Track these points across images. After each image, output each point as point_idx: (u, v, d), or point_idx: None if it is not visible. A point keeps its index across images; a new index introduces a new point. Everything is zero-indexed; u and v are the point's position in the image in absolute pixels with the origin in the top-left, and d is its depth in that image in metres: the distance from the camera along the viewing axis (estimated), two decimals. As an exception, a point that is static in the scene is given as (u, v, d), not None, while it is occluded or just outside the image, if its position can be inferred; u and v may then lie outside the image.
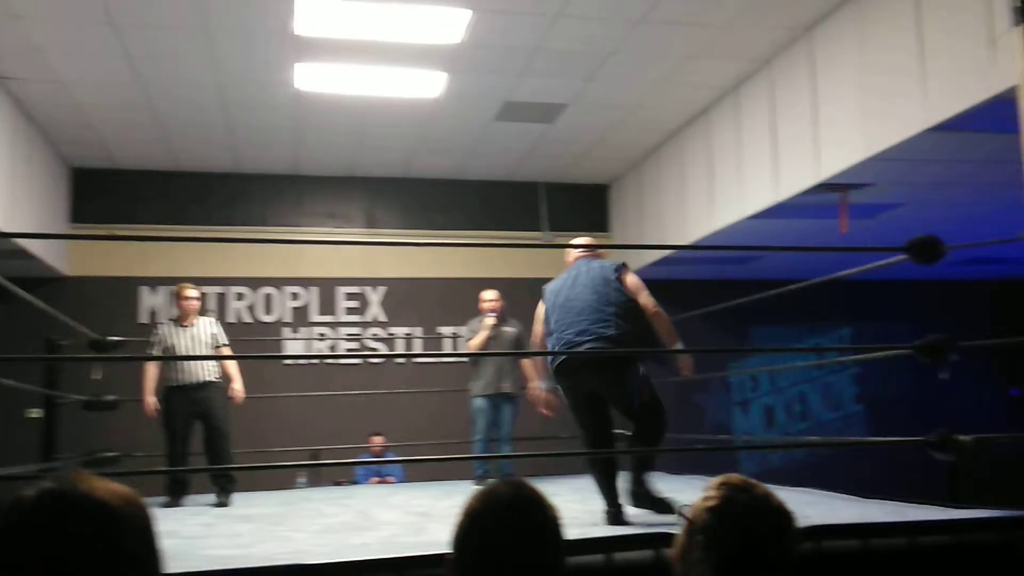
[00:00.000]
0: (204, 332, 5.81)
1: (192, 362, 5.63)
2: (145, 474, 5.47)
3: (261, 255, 8.60)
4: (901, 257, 3.99)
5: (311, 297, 8.91)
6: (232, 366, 5.89)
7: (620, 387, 4.05)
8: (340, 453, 7.23)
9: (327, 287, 8.93)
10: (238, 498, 5.65)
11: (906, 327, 9.02)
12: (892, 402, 9.68)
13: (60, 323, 5.45)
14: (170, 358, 5.73)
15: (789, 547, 1.56)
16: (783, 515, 1.57)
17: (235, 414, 5.99)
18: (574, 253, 4.49)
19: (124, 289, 8.45)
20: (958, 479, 7.88)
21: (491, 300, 6.52)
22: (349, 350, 8.92)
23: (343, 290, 8.97)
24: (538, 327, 4.52)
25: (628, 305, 4.17)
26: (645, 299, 4.22)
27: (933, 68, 4.94)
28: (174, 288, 6.10)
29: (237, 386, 5.81)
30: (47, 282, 7.90)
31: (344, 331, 8.91)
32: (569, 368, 4.14)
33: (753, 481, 1.60)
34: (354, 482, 7.61)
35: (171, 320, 5.92)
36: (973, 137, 5.28)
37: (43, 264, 7.61)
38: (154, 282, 8.54)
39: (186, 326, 5.80)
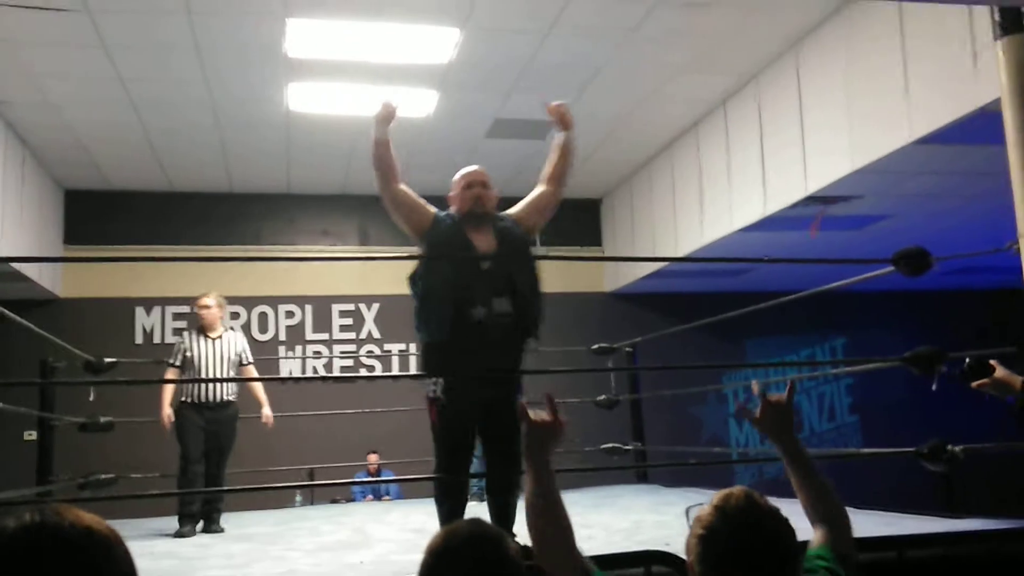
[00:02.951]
0: (230, 347, 5.42)
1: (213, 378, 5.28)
2: (144, 497, 5.48)
3: (256, 274, 8.62)
4: (889, 269, 4.02)
5: (306, 315, 8.92)
6: (260, 388, 5.57)
7: None
8: (336, 471, 7.22)
9: (321, 304, 8.95)
10: (234, 518, 5.58)
11: (900, 336, 9.05)
12: (887, 411, 9.71)
13: (55, 345, 5.45)
14: (184, 381, 5.36)
15: (782, 562, 1.52)
16: (779, 529, 1.53)
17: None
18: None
19: (119, 310, 8.46)
20: (952, 489, 7.90)
21: None
22: (344, 368, 8.93)
23: (337, 307, 8.99)
24: None
25: None
26: None
27: (917, 81, 5.00)
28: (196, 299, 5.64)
29: (267, 411, 5.51)
30: (42, 304, 7.91)
31: (339, 348, 8.92)
32: None
33: (757, 495, 1.57)
34: (351, 499, 7.61)
35: (196, 329, 5.50)
36: (959, 149, 5.34)
37: (37, 286, 7.63)
38: (149, 303, 8.55)
39: (212, 337, 5.41)
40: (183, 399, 5.32)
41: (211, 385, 5.26)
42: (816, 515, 1.79)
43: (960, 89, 4.68)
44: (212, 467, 5.32)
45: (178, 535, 5.00)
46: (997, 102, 4.30)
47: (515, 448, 3.06)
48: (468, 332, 3.11)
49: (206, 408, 5.28)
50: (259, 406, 5.53)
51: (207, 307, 5.45)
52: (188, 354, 5.37)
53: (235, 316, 8.71)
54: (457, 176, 3.54)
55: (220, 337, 5.44)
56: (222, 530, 5.19)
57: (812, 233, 6.54)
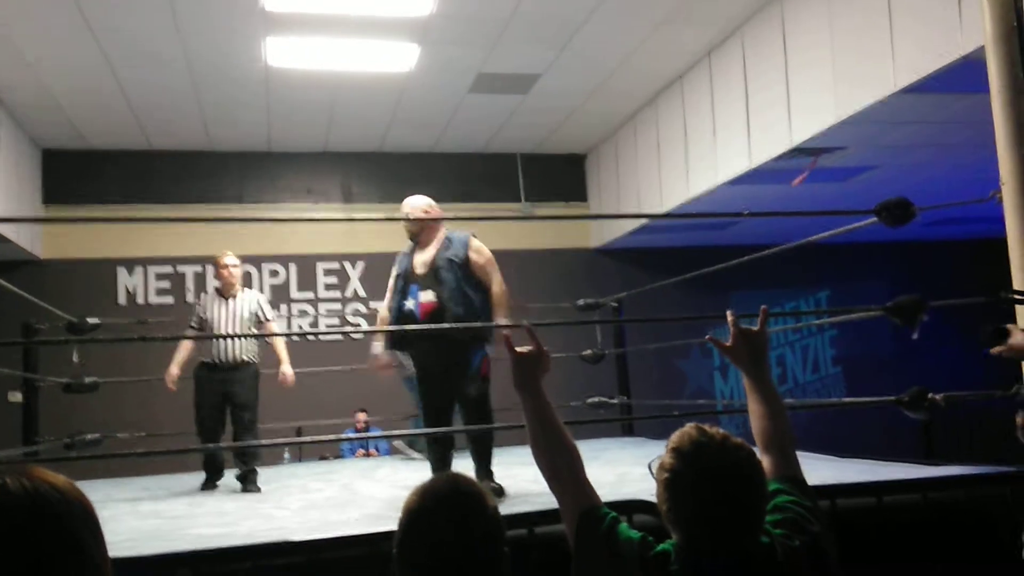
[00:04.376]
0: (244, 307, 5.29)
1: (229, 340, 5.15)
2: (129, 456, 5.48)
3: (239, 233, 8.53)
4: (872, 220, 4.02)
5: (290, 273, 8.89)
6: (280, 346, 5.39)
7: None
8: (324, 428, 7.25)
9: (306, 263, 8.91)
10: (224, 475, 5.56)
11: (884, 288, 9.12)
12: (869, 363, 9.80)
13: (37, 307, 5.40)
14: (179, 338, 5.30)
15: (750, 484, 1.54)
16: (738, 453, 1.55)
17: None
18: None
19: (101, 271, 8.40)
20: (931, 437, 8.02)
21: None
22: (329, 326, 8.93)
23: (322, 266, 8.96)
24: None
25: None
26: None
27: (902, 30, 4.96)
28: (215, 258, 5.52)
29: (285, 368, 5.32)
30: (23, 265, 7.83)
31: (324, 307, 8.91)
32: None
33: (707, 427, 1.59)
34: (340, 456, 7.66)
35: (215, 290, 5.42)
36: (943, 98, 5.32)
37: (17, 247, 7.54)
38: (131, 263, 8.49)
39: (228, 298, 5.32)
40: (201, 360, 5.26)
41: (225, 346, 5.17)
42: (769, 441, 1.80)
43: (944, 38, 4.65)
44: (238, 429, 5.23)
45: (201, 488, 5.21)
46: (981, 51, 4.28)
47: (477, 401, 4.15)
48: (405, 318, 4.20)
49: (220, 369, 5.18)
50: (278, 363, 5.37)
51: (233, 266, 5.34)
52: (203, 315, 5.31)
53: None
54: None
55: (235, 297, 5.33)
56: (258, 490, 5.02)
57: (797, 182, 6.52)
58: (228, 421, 5.34)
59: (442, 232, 4.27)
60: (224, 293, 5.35)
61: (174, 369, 5.33)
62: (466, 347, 4.11)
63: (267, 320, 5.40)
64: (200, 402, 5.26)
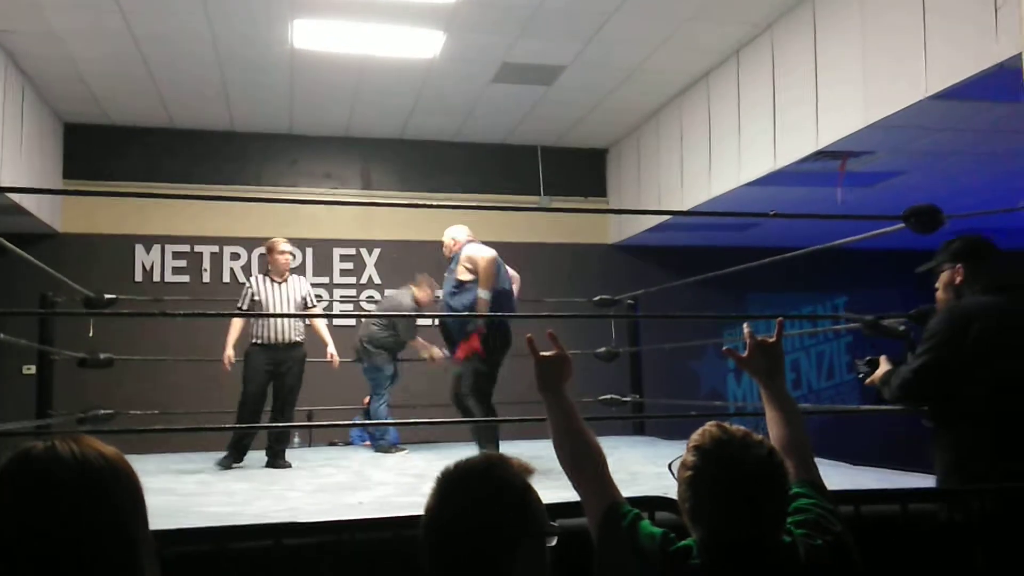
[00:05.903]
0: (296, 291, 5.60)
1: (283, 322, 5.44)
2: (144, 432, 5.49)
3: (256, 215, 8.55)
4: (899, 226, 3.97)
5: (307, 258, 8.88)
6: (324, 330, 5.80)
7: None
8: (335, 414, 7.25)
9: (322, 248, 8.90)
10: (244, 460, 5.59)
11: (902, 297, 9.02)
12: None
13: (54, 280, 5.41)
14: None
15: (771, 480, 1.55)
16: (759, 450, 1.56)
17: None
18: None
19: (119, 246, 8.41)
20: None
21: None
22: (343, 311, 8.92)
23: (339, 251, 8.94)
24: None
25: None
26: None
27: (935, 35, 4.89)
28: (266, 244, 5.86)
29: (332, 350, 5.75)
30: (41, 238, 7.85)
31: (339, 292, 8.90)
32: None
33: (727, 424, 1.62)
34: (349, 443, 7.66)
35: (264, 274, 5.70)
36: (976, 106, 5.24)
37: (36, 220, 7.56)
38: (149, 240, 8.50)
39: (279, 282, 5.60)
40: (253, 341, 5.50)
41: (279, 327, 5.45)
42: (787, 446, 1.81)
43: (979, 44, 4.57)
44: (276, 408, 5.51)
45: (217, 464, 5.31)
46: (1017, 58, 4.22)
47: (463, 381, 4.97)
48: None
49: (273, 350, 5.46)
50: (324, 346, 5.74)
51: (288, 252, 5.65)
52: (256, 298, 5.55)
53: (236, 257, 8.67)
54: None
55: (286, 281, 5.62)
56: (289, 465, 5.39)
57: (839, 194, 6.48)
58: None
59: (458, 253, 5.09)
60: (275, 277, 5.61)
61: (229, 350, 5.57)
62: (454, 342, 5.00)
63: (313, 305, 5.73)
64: (248, 377, 5.47)
